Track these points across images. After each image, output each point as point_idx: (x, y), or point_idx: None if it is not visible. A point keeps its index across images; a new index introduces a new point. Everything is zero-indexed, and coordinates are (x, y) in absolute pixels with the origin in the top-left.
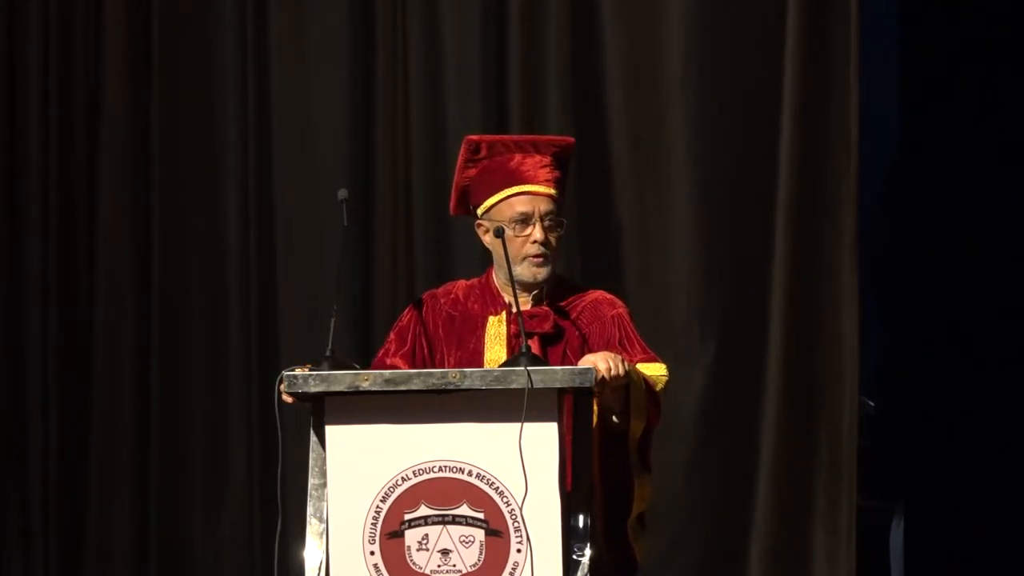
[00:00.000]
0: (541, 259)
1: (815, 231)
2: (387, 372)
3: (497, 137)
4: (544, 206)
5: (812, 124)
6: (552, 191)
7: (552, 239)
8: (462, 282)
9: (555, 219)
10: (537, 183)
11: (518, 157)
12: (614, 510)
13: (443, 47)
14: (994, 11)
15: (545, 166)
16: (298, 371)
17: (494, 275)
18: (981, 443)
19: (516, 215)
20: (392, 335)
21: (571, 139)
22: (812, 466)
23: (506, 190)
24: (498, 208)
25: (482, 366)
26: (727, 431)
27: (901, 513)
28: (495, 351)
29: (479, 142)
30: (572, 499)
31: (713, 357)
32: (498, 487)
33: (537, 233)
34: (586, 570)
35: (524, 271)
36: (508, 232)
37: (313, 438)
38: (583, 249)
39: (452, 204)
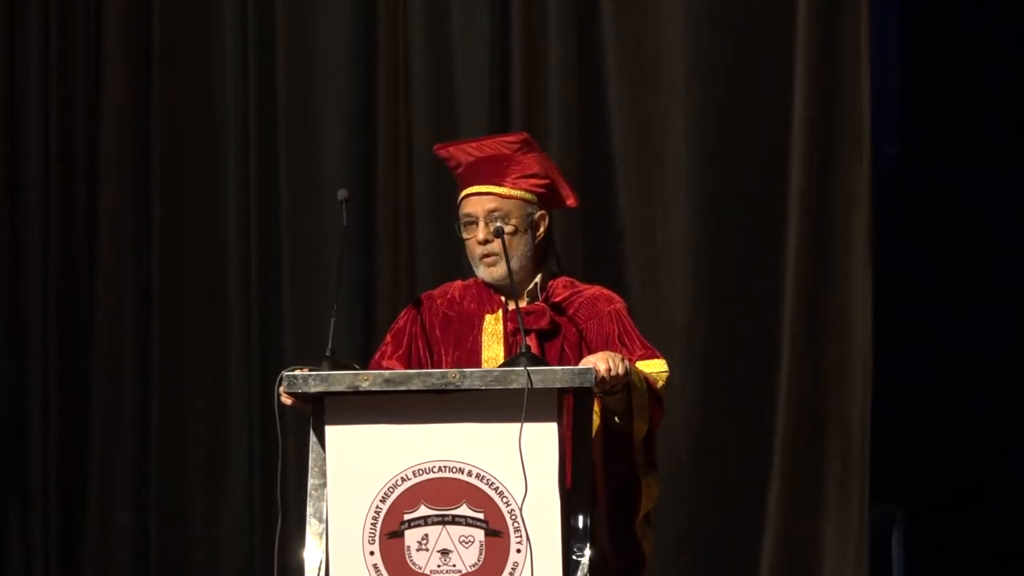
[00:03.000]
0: (491, 258)
1: (826, 230)
2: (387, 372)
3: (457, 144)
4: (488, 204)
5: (822, 123)
6: (495, 189)
7: (504, 237)
8: (459, 282)
9: (500, 216)
10: (478, 183)
11: (468, 161)
12: (621, 511)
13: (447, 46)
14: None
15: (489, 164)
16: (297, 371)
17: None
18: (981, 444)
19: (462, 218)
20: (388, 337)
21: (521, 134)
22: (823, 466)
23: (460, 196)
24: (460, 215)
25: (480, 365)
26: (737, 430)
27: (902, 513)
28: (492, 349)
29: (447, 152)
30: (572, 499)
31: (724, 356)
32: (498, 487)
33: (480, 233)
34: (586, 570)
35: (482, 273)
36: (464, 236)
37: (313, 438)
38: (586, 251)
39: None
